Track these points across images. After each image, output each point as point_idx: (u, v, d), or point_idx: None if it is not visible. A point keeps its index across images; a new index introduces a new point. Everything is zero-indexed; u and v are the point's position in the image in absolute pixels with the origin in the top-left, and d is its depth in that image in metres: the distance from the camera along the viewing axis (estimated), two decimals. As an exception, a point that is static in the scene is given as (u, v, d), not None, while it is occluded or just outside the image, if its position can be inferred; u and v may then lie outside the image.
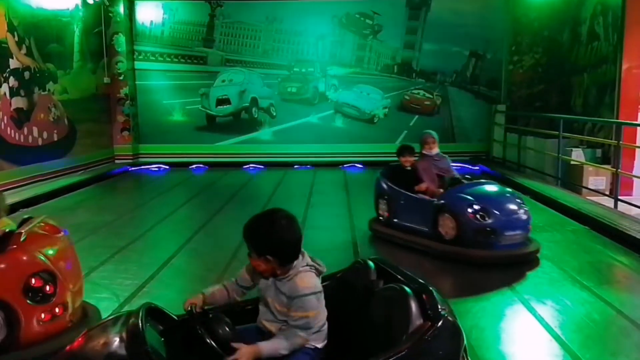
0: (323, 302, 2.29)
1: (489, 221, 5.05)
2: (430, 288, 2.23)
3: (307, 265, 2.30)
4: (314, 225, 6.78)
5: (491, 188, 5.56)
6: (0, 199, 3.79)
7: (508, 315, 4.07)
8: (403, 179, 5.85)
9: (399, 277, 2.37)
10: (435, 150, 5.86)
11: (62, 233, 3.73)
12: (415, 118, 12.82)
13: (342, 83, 12.88)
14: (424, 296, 2.17)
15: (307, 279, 2.25)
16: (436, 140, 5.88)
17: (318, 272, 2.32)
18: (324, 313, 2.31)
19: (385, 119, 12.83)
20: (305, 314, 2.22)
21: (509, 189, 5.79)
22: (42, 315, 3.27)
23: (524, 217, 5.23)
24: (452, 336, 2.15)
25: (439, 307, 2.15)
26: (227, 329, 2.22)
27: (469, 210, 5.09)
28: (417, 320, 2.10)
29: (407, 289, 2.21)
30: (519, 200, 5.40)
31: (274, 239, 2.24)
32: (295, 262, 2.28)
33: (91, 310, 3.77)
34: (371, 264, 2.50)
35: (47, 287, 3.29)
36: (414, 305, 2.13)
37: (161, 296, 4.37)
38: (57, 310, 3.34)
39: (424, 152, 5.92)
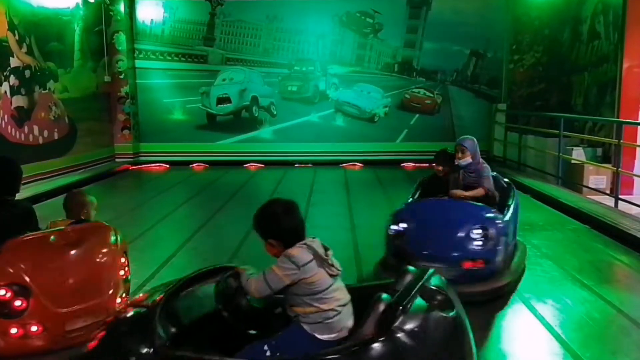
0: (301, 279, 2.33)
1: (405, 245, 4.33)
2: (405, 302, 2.13)
3: (304, 243, 2.40)
4: (314, 224, 6.78)
5: (451, 206, 4.68)
6: (80, 198, 3.73)
7: (508, 313, 4.06)
8: (438, 189, 5.06)
9: (407, 284, 2.33)
10: (466, 160, 4.88)
11: (81, 248, 3.35)
12: (416, 117, 12.82)
13: (343, 82, 12.87)
14: (390, 306, 2.13)
15: (294, 250, 2.38)
16: (467, 148, 4.88)
17: (316, 255, 2.37)
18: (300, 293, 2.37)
19: (385, 118, 12.83)
20: (273, 267, 2.37)
21: (486, 213, 4.46)
22: (13, 330, 3.02)
23: (456, 248, 4.22)
24: (392, 356, 2.03)
25: (396, 322, 2.05)
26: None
27: (393, 227, 4.48)
28: (367, 329, 2.11)
29: (384, 296, 2.19)
30: (473, 232, 4.26)
31: (272, 225, 2.44)
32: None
33: None
34: (411, 269, 2.45)
35: (18, 302, 3.01)
36: (377, 313, 2.12)
37: (161, 295, 4.38)
38: (32, 328, 3.03)
39: (455, 161, 5.06)
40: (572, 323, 3.88)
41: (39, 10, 9.71)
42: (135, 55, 12.71)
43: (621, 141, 7.38)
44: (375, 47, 12.85)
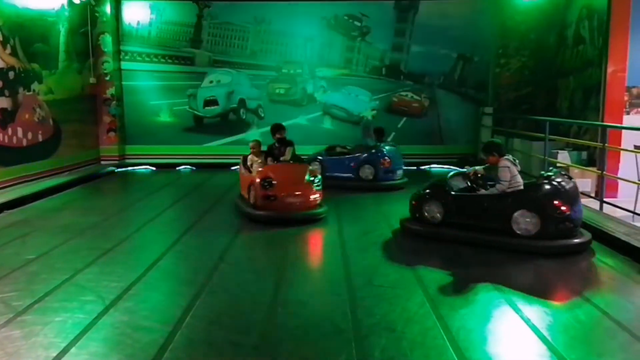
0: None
1: None
2: None
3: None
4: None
5: None
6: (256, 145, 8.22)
7: (495, 316, 4.08)
8: None
9: None
10: None
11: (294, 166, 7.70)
12: (404, 120, 12.86)
13: (331, 84, 12.88)
14: None
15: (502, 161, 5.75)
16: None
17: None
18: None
19: (373, 121, 12.83)
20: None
21: None
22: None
23: None
24: None
25: None
26: None
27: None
28: None
29: None
30: None
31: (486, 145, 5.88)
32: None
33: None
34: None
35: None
36: None
37: (148, 298, 4.33)
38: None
39: None
40: (558, 325, 3.90)
41: (24, 11, 9.60)
42: (121, 56, 12.61)
43: (606, 145, 7.46)
44: (363, 50, 12.88)
